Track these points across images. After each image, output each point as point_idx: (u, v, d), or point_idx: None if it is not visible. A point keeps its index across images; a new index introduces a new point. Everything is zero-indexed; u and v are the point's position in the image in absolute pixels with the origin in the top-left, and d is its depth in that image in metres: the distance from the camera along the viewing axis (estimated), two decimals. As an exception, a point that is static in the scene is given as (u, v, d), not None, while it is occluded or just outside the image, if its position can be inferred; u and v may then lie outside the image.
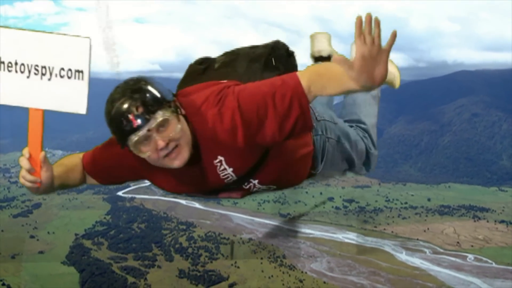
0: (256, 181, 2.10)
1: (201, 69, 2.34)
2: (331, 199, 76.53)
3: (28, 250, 55.72)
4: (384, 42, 1.59)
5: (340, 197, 78.83)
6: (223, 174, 1.98)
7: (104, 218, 68.20)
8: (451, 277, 52.85)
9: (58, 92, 1.80)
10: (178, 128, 1.79)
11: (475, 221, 70.63)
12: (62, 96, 1.81)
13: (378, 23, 1.53)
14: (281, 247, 58.60)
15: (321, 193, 75.76)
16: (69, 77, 1.79)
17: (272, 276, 50.87)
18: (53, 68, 1.78)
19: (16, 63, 1.75)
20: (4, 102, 1.80)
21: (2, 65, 1.76)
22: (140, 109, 1.73)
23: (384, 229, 67.65)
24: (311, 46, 3.05)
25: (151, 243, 58.41)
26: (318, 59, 3.03)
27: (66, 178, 2.13)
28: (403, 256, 58.55)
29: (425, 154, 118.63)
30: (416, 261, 57.22)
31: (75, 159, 2.24)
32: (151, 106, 1.74)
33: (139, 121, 1.73)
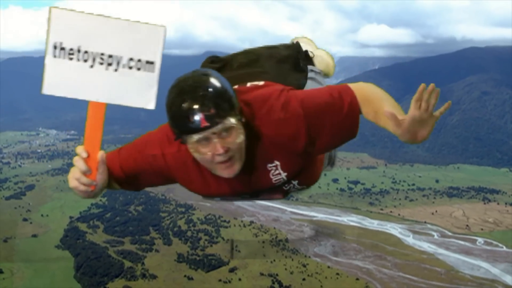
0: (296, 182, 2.14)
1: (216, 68, 2.26)
2: (335, 180, 76.12)
3: (21, 234, 55.48)
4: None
5: (345, 178, 78.49)
6: (276, 178, 2.01)
7: (100, 200, 66.51)
8: (460, 262, 52.55)
9: (124, 85, 1.63)
10: (240, 138, 1.76)
11: (485, 203, 70.67)
12: (128, 89, 1.64)
13: (437, 94, 1.67)
14: (284, 230, 58.32)
15: (325, 174, 74.58)
16: (138, 69, 1.63)
17: (274, 260, 50.56)
18: (121, 57, 1.61)
19: (79, 50, 1.57)
20: (60, 93, 1.58)
21: (62, 51, 1.57)
22: (212, 111, 1.66)
23: (391, 211, 67.69)
24: None
25: (149, 226, 58.13)
26: None
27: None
28: (410, 240, 58.38)
29: (433, 134, 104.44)
30: (423, 245, 57.06)
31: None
32: (222, 110, 1.68)
33: (208, 122, 1.66)
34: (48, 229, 57.44)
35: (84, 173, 1.69)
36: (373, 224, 63.29)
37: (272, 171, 1.98)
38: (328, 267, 49.89)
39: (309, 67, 2.56)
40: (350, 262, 51.38)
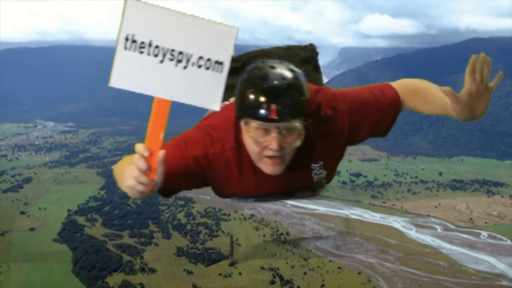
0: (325, 180, 2.14)
1: (233, 68, 1.98)
2: (337, 173, 74.22)
3: (18, 227, 55.52)
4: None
5: (347, 171, 78.13)
6: (317, 177, 2.05)
7: (98, 193, 67.96)
8: (464, 255, 52.45)
9: (192, 83, 1.62)
10: (297, 143, 1.77)
11: (489, 196, 70.56)
12: (195, 87, 1.62)
13: (488, 64, 1.68)
14: (285, 224, 58.11)
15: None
16: (207, 68, 1.61)
17: (275, 254, 50.42)
18: (191, 55, 1.60)
19: (150, 45, 1.55)
20: (127, 87, 1.55)
21: (133, 44, 1.54)
22: (287, 109, 1.67)
23: (393, 204, 67.58)
24: None
25: (148, 220, 57.92)
26: None
27: None
28: (413, 233, 58.28)
29: (437, 126, 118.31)
30: (427, 238, 56.95)
31: None
32: (295, 112, 1.70)
33: (277, 116, 1.67)
34: (46, 223, 57.30)
35: (144, 173, 1.57)
36: (375, 217, 63.18)
37: (316, 170, 2.02)
38: (330, 261, 49.73)
39: None
40: (352, 256, 51.25)
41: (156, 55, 1.57)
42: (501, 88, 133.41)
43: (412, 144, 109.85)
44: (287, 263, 48.69)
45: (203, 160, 1.94)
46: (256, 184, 2.02)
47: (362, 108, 1.94)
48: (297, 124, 1.71)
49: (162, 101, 1.61)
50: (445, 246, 54.69)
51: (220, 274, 46.27)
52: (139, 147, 1.57)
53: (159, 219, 58.30)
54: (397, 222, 61.44)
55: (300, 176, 2.01)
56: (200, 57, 1.61)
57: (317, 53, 2.59)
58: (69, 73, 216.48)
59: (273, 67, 1.73)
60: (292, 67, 1.76)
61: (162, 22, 1.57)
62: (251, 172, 1.96)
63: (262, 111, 1.68)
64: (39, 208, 61.66)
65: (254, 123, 1.72)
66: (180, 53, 1.59)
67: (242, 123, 1.80)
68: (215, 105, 1.64)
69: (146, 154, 1.58)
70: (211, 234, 54.83)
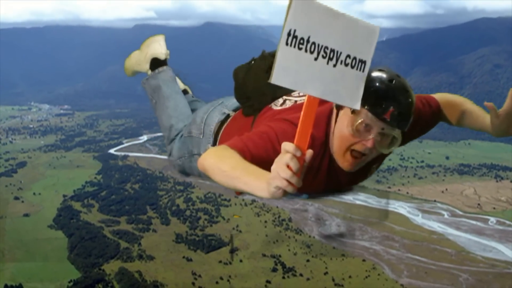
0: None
1: (266, 67, 2.44)
2: (341, 157, 75.34)
3: (12, 213, 55.18)
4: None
5: (351, 155, 77.51)
6: (368, 177, 2.21)
7: (95, 178, 67.64)
8: (472, 242, 52.11)
9: (338, 81, 1.67)
10: (389, 151, 1.93)
11: (497, 181, 70.25)
12: (341, 86, 1.68)
13: None
14: (287, 210, 57.63)
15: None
16: (352, 66, 1.67)
17: (277, 241, 50.02)
18: (340, 53, 1.64)
19: (308, 41, 1.58)
20: (286, 84, 1.56)
21: (294, 40, 1.56)
22: (400, 117, 1.84)
23: (399, 189, 67.28)
24: (152, 49, 3.37)
25: (146, 205, 57.48)
26: (154, 63, 3.37)
27: None
28: (419, 219, 58.01)
29: None
30: (433, 224, 56.68)
31: (233, 154, 1.91)
32: (404, 123, 1.87)
33: (390, 118, 1.82)
34: (41, 208, 57.05)
35: (296, 173, 1.56)
36: (380, 203, 62.93)
37: (372, 170, 2.18)
38: (334, 248, 49.52)
39: None
40: (356, 243, 50.96)
41: (312, 52, 1.58)
42: (510, 70, 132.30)
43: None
44: (289, 250, 48.37)
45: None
46: (327, 181, 2.11)
47: (415, 117, 2.01)
48: (399, 134, 1.86)
49: (313, 99, 1.62)
50: (452, 232, 54.43)
51: (220, 262, 45.89)
52: (290, 146, 1.52)
53: (158, 204, 57.82)
54: (402, 208, 61.19)
55: (360, 175, 2.15)
56: (348, 55, 1.64)
57: None
58: (64, 54, 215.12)
59: (398, 76, 1.90)
60: (407, 83, 1.93)
61: (320, 19, 1.59)
62: (327, 169, 2.06)
63: (379, 111, 1.82)
64: (34, 194, 61.34)
65: (365, 116, 1.83)
66: (332, 50, 1.61)
67: (348, 113, 1.89)
68: (356, 104, 1.68)
69: (299, 154, 1.55)
70: (211, 220, 54.42)
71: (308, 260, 46.38)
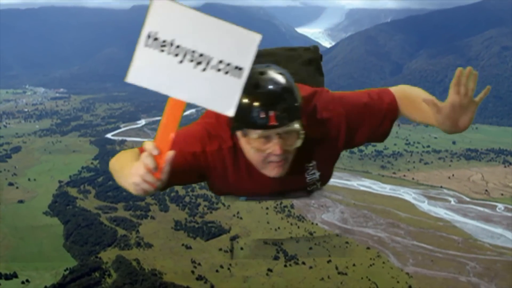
0: (319, 183, 2.24)
1: None
2: (344, 142, 75.36)
3: (7, 199, 54.88)
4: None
5: (355, 140, 77.50)
6: (310, 177, 2.14)
7: (92, 163, 67.39)
8: (479, 229, 51.85)
9: (208, 86, 1.69)
10: (298, 143, 1.88)
11: (505, 166, 70.11)
12: (212, 91, 1.69)
13: (475, 77, 1.72)
14: (289, 196, 57.32)
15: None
16: (226, 72, 1.67)
17: (279, 228, 49.66)
18: (211, 58, 1.66)
19: (171, 44, 1.64)
20: (144, 84, 1.66)
21: (155, 42, 1.64)
22: (285, 113, 1.79)
23: (404, 175, 67.09)
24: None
25: (144, 191, 57.03)
26: None
27: None
28: (425, 206, 57.75)
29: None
30: (439, 211, 56.40)
31: (132, 156, 1.98)
32: (293, 114, 1.81)
33: (277, 122, 1.78)
34: (36, 194, 56.82)
35: (151, 171, 1.65)
36: (385, 189, 62.64)
37: (309, 171, 2.11)
38: (337, 235, 49.20)
39: None
40: (360, 230, 50.76)
41: (176, 55, 1.62)
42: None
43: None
44: (291, 237, 48.09)
45: (201, 157, 2.00)
46: (251, 184, 2.11)
47: (359, 112, 2.02)
48: (296, 125, 1.81)
49: (177, 101, 1.66)
50: (459, 219, 54.19)
51: (220, 249, 45.61)
52: (149, 145, 1.61)
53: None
54: (408, 194, 61.01)
55: (294, 176, 2.07)
56: (220, 61, 1.64)
57: (320, 56, 2.65)
58: (60, 36, 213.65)
59: (262, 73, 1.79)
60: (281, 69, 1.83)
61: (186, 23, 1.63)
62: (246, 172, 2.04)
63: (261, 120, 1.76)
64: (29, 179, 61.07)
65: (254, 134, 1.80)
66: (201, 55, 1.63)
67: (239, 134, 1.87)
68: (230, 110, 1.68)
69: (155, 152, 1.62)
70: (210, 207, 54.07)
71: (311, 248, 46.16)
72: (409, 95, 2.05)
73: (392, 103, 2.04)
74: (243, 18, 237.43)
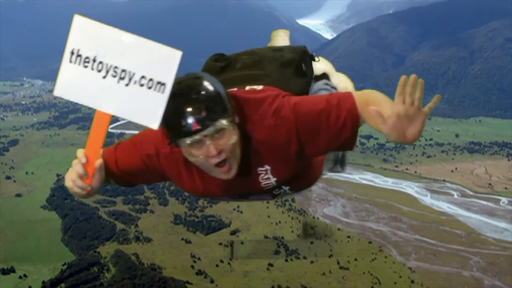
0: (287, 188, 2.29)
1: (219, 67, 2.52)
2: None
3: (4, 193, 54.58)
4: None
5: (357, 133, 77.37)
6: (265, 182, 2.14)
7: None
8: (482, 223, 51.78)
9: (132, 100, 1.83)
10: (233, 139, 1.91)
11: (509, 159, 69.91)
12: (136, 105, 1.84)
13: (421, 86, 1.70)
14: (290, 190, 57.19)
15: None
16: (149, 87, 1.82)
17: (279, 222, 49.51)
18: (134, 74, 1.81)
19: (94, 60, 1.80)
20: (70, 97, 1.83)
21: (79, 58, 1.79)
22: (203, 114, 1.82)
23: (407, 169, 66.91)
24: (274, 43, 3.40)
25: (143, 185, 56.51)
26: None
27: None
28: (427, 200, 57.70)
29: (453, 84, 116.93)
30: (442, 205, 56.31)
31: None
32: (214, 112, 1.84)
33: (199, 125, 1.83)
34: (33, 188, 56.66)
35: (81, 177, 1.88)
36: (387, 182, 62.52)
37: (262, 175, 2.11)
38: (339, 229, 49.12)
39: (324, 80, 2.90)
40: (362, 224, 50.69)
41: (99, 71, 1.76)
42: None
43: (427, 104, 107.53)
44: (292, 231, 47.97)
45: (155, 158, 2.09)
46: (204, 186, 2.16)
47: (314, 119, 1.97)
48: (223, 122, 1.82)
49: (103, 114, 1.80)
50: (462, 213, 54.11)
51: (220, 244, 45.54)
52: (79, 153, 1.83)
53: (155, 184, 56.99)
54: (410, 188, 60.88)
55: (248, 179, 2.10)
56: (143, 76, 1.77)
57: (303, 56, 2.57)
58: (58, 28, 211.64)
59: (178, 83, 1.83)
60: (199, 74, 1.89)
61: (107, 40, 1.75)
62: (198, 175, 2.10)
63: (184, 128, 1.80)
64: (26, 173, 60.85)
65: (183, 143, 1.84)
66: (123, 70, 1.77)
67: (174, 146, 1.93)
68: (154, 124, 1.80)
69: (83, 160, 1.84)
70: (210, 200, 53.60)
71: (312, 242, 46.01)
72: (369, 101, 1.93)
73: (351, 109, 1.94)
74: (243, 9, 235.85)
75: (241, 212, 51.21)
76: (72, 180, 1.88)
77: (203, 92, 1.82)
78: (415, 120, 1.73)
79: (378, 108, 1.80)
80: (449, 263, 43.61)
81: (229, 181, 2.04)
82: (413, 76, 1.68)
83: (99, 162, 1.86)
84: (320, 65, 3.13)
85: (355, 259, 43.27)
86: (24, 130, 78.30)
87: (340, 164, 2.87)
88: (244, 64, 2.50)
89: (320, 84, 3.33)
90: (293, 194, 2.48)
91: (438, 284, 40.52)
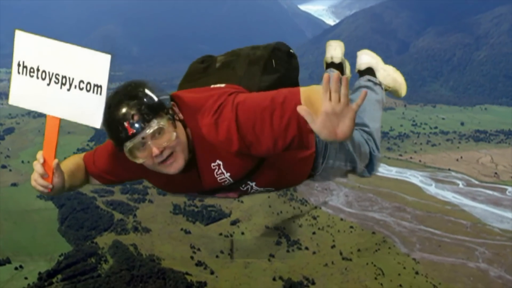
0: (253, 183, 2.36)
1: (202, 68, 2.64)
2: (349, 123, 74.93)
3: (-1, 182, 54.33)
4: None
5: (360, 121, 77.10)
6: (220, 178, 2.22)
7: (87, 145, 66.72)
8: (488, 213, 51.42)
9: (75, 103, 2.01)
10: (173, 136, 2.00)
11: None
12: (79, 107, 2.02)
13: (346, 82, 1.72)
14: (292, 179, 56.86)
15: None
16: (87, 90, 1.99)
17: (281, 212, 49.21)
18: (73, 79, 1.99)
19: (38, 70, 1.98)
20: (23, 105, 2.06)
21: (25, 69, 1.99)
22: (136, 117, 1.93)
23: (411, 157, 66.64)
24: (326, 52, 3.61)
25: (141, 174, 56.62)
26: (329, 65, 3.59)
27: (73, 181, 2.40)
28: (432, 189, 57.41)
29: (458, 71, 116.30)
30: (447, 194, 56.01)
31: (78, 160, 2.51)
32: (146, 114, 1.95)
33: (134, 129, 1.94)
34: (29, 178, 52.73)
35: (42, 176, 2.10)
36: (391, 171, 62.21)
37: (216, 170, 2.20)
38: (341, 219, 48.91)
39: (367, 76, 3.03)
40: (365, 214, 50.46)
41: (44, 79, 1.95)
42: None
43: (431, 91, 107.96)
44: (294, 222, 47.71)
45: (127, 159, 2.12)
46: (170, 183, 2.33)
47: (254, 118, 2.01)
48: (157, 121, 1.94)
49: (52, 117, 2.01)
50: (467, 203, 53.78)
51: (220, 234, 45.32)
52: (38, 154, 2.08)
53: (154, 173, 56.99)
54: (415, 177, 60.62)
55: (204, 175, 2.22)
56: (81, 81, 1.95)
57: (274, 52, 2.54)
58: (55, 13, 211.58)
59: (114, 94, 2.00)
60: (130, 82, 2.04)
61: (47, 51, 1.94)
62: (156, 173, 2.18)
63: (121, 135, 1.94)
64: (22, 162, 60.22)
65: (125, 148, 1.98)
66: (64, 77, 1.95)
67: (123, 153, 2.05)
68: (96, 123, 1.98)
69: (41, 161, 2.07)
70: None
71: (314, 233, 45.76)
72: (312, 99, 1.93)
73: (296, 108, 1.90)
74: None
75: (242, 202, 50.74)
76: (34, 179, 2.12)
77: (133, 98, 1.93)
78: (344, 117, 1.73)
79: (318, 106, 1.79)
80: (454, 254, 43.27)
81: (188, 178, 2.19)
82: (336, 74, 1.69)
83: (55, 162, 2.05)
84: (364, 59, 3.16)
85: (358, 250, 43.02)
86: (20, 118, 77.78)
87: (368, 168, 2.83)
88: (222, 64, 2.58)
89: (362, 81, 3.35)
90: (267, 191, 2.50)
91: (443, 276, 40.23)
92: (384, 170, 62.15)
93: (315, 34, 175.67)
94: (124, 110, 1.92)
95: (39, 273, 38.01)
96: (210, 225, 46.69)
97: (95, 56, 1.92)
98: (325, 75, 1.72)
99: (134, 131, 1.92)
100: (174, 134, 1.99)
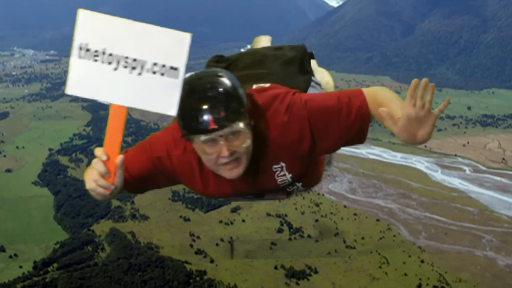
0: (300, 184, 2.36)
1: (223, 68, 2.49)
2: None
3: (-7, 168, 54.35)
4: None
5: (364, 105, 77.40)
6: (281, 179, 2.20)
7: (84, 130, 66.78)
8: (496, 200, 51.21)
9: (147, 89, 1.83)
10: (247, 143, 1.96)
11: None
12: (151, 94, 1.83)
13: (432, 89, 1.77)
14: (294, 165, 56.87)
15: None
16: (162, 74, 1.81)
17: (282, 199, 48.68)
18: (145, 62, 1.81)
19: (103, 53, 1.78)
20: (83, 94, 1.80)
21: (88, 53, 1.78)
22: (222, 114, 1.85)
23: None
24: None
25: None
26: None
27: None
28: (438, 175, 57.25)
29: (465, 54, 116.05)
30: (454, 181, 55.91)
31: None
32: (232, 114, 1.87)
33: (216, 125, 1.85)
34: (25, 163, 56.37)
35: (103, 176, 1.84)
36: (396, 157, 62.22)
37: (278, 172, 2.17)
38: (345, 206, 48.71)
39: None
40: (369, 201, 50.27)
41: (110, 63, 1.75)
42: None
43: (437, 74, 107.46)
44: (296, 208, 47.45)
45: (166, 161, 2.11)
46: (218, 186, 2.20)
47: (325, 116, 2.03)
48: (240, 124, 1.86)
49: (119, 107, 1.79)
50: (474, 189, 53.70)
51: (220, 222, 45.12)
52: (98, 151, 1.79)
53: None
54: (420, 163, 60.54)
55: (263, 177, 2.18)
56: (155, 64, 1.77)
57: (304, 54, 2.63)
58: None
59: (199, 78, 1.87)
60: (221, 72, 1.91)
61: (115, 31, 1.76)
62: (212, 174, 2.12)
63: (200, 125, 1.83)
64: (17, 147, 60.44)
65: (198, 139, 1.87)
66: (134, 60, 1.77)
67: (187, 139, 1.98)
68: (171, 110, 1.80)
69: (104, 158, 1.80)
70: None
71: (317, 220, 45.57)
72: (379, 99, 1.98)
73: (362, 106, 2.00)
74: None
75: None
76: (94, 180, 1.82)
77: (223, 91, 1.83)
78: (425, 122, 1.78)
79: (388, 107, 1.85)
80: (461, 242, 43.11)
81: (244, 180, 2.10)
82: (424, 80, 1.71)
83: (120, 158, 1.80)
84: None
85: (362, 238, 42.82)
86: (15, 102, 77.92)
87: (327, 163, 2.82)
88: (246, 64, 2.54)
89: None
90: (304, 191, 2.54)
91: (449, 264, 40.09)
92: (388, 155, 62.29)
93: (318, 16, 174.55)
94: (212, 102, 1.80)
95: (34, 262, 37.89)
96: (210, 212, 46.43)
97: (174, 36, 1.74)
98: (413, 81, 1.72)
99: (216, 127, 1.81)
100: (248, 141, 1.93)
